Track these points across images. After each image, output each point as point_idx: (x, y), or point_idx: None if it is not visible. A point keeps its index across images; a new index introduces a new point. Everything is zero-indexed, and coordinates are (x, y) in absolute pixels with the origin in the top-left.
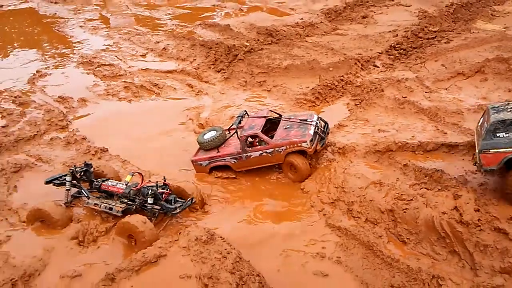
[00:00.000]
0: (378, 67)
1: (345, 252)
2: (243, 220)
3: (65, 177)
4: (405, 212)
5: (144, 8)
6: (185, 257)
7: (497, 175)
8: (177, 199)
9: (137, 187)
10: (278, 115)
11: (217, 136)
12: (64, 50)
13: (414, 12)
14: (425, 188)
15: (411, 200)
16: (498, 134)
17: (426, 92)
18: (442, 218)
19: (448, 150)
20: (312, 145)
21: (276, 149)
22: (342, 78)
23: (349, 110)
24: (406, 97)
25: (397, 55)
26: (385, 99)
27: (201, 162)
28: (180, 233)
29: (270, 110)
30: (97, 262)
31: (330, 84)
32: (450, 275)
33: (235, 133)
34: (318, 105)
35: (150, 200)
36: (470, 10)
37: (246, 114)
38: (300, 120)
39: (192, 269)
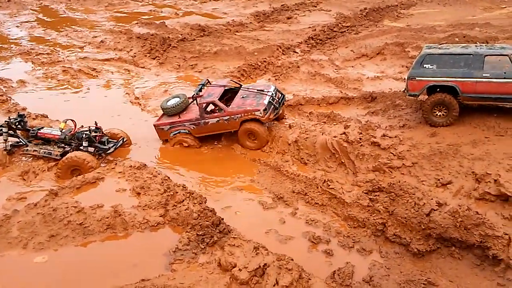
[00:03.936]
0: (297, 53)
1: (258, 175)
2: (179, 160)
3: (1, 128)
4: (306, 140)
5: (81, 12)
6: (120, 178)
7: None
8: (110, 140)
9: (71, 132)
10: (238, 85)
11: (180, 103)
12: (0, 45)
13: (333, 15)
14: (323, 124)
15: (311, 132)
16: (424, 65)
17: (335, 69)
18: (333, 140)
19: (346, 102)
20: (265, 114)
21: (232, 116)
22: (265, 60)
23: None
24: (318, 71)
25: (314, 44)
26: (300, 73)
27: (163, 127)
28: (116, 163)
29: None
30: (40, 190)
31: (254, 64)
32: (338, 179)
33: (195, 101)
34: (243, 81)
35: (85, 143)
36: (380, 13)
37: (208, 83)
38: (258, 90)
39: (127, 185)
